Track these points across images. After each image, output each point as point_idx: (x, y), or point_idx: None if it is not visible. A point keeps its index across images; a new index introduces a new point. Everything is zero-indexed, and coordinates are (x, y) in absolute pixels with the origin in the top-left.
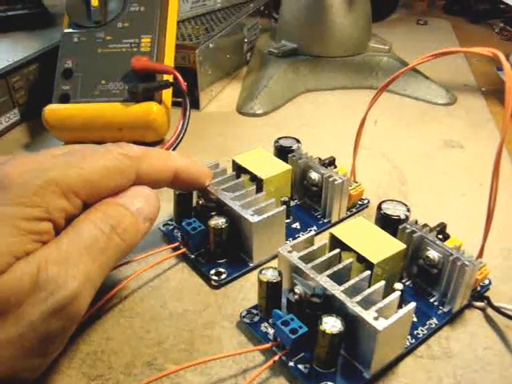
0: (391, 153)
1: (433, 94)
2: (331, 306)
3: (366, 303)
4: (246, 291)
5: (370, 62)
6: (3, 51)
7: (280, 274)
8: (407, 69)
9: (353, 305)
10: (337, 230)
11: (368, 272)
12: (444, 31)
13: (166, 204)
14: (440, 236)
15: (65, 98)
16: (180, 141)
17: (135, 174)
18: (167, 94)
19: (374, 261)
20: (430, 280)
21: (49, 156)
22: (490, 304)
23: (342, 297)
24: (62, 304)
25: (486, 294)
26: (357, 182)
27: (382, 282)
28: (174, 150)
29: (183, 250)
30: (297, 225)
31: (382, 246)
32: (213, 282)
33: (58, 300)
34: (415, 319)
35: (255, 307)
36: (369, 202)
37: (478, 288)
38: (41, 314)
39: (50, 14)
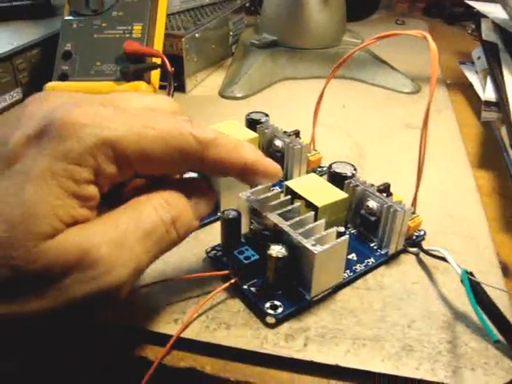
0: (355, 131)
1: (399, 83)
2: (280, 238)
3: (308, 235)
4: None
5: (343, 54)
6: (8, 37)
7: (239, 214)
8: (358, 49)
9: (296, 235)
10: (291, 182)
11: (312, 213)
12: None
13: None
14: (384, 194)
15: (64, 77)
16: None
17: (199, 161)
18: (155, 76)
19: (319, 205)
20: (371, 227)
21: (113, 110)
22: (421, 248)
23: (288, 229)
24: (108, 290)
25: (420, 242)
26: (316, 150)
27: (323, 220)
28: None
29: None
30: None
31: (327, 195)
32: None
33: (106, 284)
34: (355, 258)
35: (219, 245)
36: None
37: (414, 237)
38: (83, 293)
39: (52, 5)
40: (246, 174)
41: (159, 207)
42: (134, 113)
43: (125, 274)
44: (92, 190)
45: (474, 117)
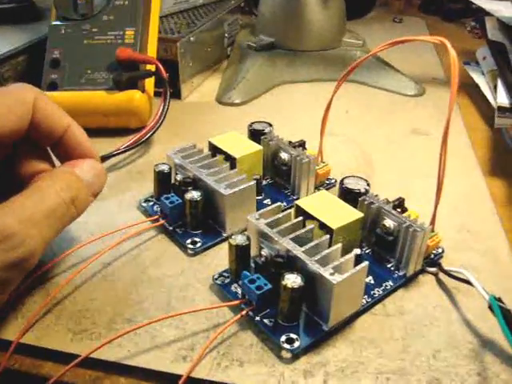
0: (360, 139)
1: (403, 86)
2: (293, 265)
3: (324, 262)
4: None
5: (344, 56)
6: None
7: (248, 238)
8: (366, 57)
9: (312, 263)
10: (301, 201)
11: (327, 236)
12: (418, 29)
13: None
14: (398, 209)
15: (53, 86)
16: (161, 124)
17: (32, 105)
18: (149, 84)
19: (334, 227)
20: (387, 247)
21: None
22: (440, 268)
23: (303, 256)
24: (21, 258)
25: (439, 261)
26: (324, 163)
27: (339, 244)
28: (154, 132)
29: (162, 222)
30: (268, 201)
31: (341, 215)
32: (189, 251)
33: (19, 255)
34: (372, 281)
35: (226, 271)
36: (336, 181)
37: (432, 256)
38: (2, 262)
39: (38, 8)
40: (68, 139)
41: (60, 190)
42: None
43: (34, 245)
44: None
45: (482, 120)
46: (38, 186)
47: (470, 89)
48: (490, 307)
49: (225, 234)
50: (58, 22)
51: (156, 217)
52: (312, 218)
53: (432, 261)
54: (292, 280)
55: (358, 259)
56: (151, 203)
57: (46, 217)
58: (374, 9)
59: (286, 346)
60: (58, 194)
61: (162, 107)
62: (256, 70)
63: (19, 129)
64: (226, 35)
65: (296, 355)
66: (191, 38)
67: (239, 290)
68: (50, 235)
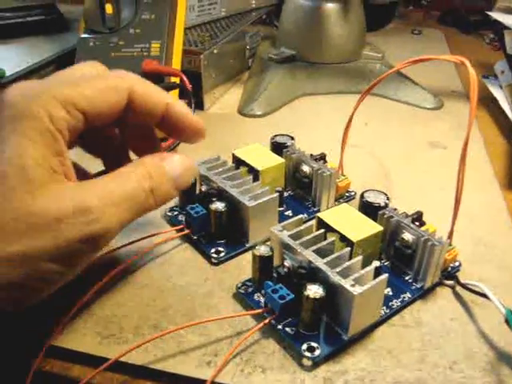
0: (379, 151)
1: (421, 99)
2: (315, 276)
3: (345, 274)
4: (242, 268)
5: (363, 69)
6: (23, 54)
7: (271, 249)
8: (388, 74)
9: (333, 274)
10: (323, 214)
11: (348, 248)
12: (437, 41)
13: None
14: (417, 223)
15: None
16: None
17: (128, 93)
18: (174, 94)
19: (354, 239)
20: (405, 260)
21: (43, 80)
22: (457, 281)
23: (325, 268)
24: (97, 233)
25: (456, 274)
26: (344, 175)
27: (360, 257)
28: (178, 144)
29: (187, 231)
30: (289, 212)
31: (361, 228)
32: (213, 260)
33: (95, 229)
34: (390, 293)
35: (249, 280)
36: (355, 193)
37: (449, 269)
38: (76, 235)
39: (66, 19)
40: (170, 117)
41: (142, 178)
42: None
43: (110, 223)
44: (57, 138)
45: (500, 133)
46: (120, 170)
47: (488, 102)
48: (507, 321)
49: (247, 244)
50: (87, 35)
51: (181, 226)
52: (333, 230)
53: (449, 274)
54: (314, 290)
55: (378, 271)
56: (176, 213)
57: (125, 199)
58: (392, 20)
59: (307, 354)
60: (138, 181)
61: None
62: (277, 82)
63: (110, 113)
64: (248, 47)
65: (316, 363)
66: (214, 51)
67: (262, 299)
68: (126, 218)
